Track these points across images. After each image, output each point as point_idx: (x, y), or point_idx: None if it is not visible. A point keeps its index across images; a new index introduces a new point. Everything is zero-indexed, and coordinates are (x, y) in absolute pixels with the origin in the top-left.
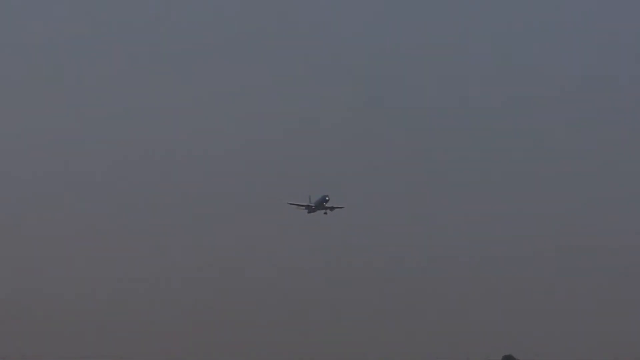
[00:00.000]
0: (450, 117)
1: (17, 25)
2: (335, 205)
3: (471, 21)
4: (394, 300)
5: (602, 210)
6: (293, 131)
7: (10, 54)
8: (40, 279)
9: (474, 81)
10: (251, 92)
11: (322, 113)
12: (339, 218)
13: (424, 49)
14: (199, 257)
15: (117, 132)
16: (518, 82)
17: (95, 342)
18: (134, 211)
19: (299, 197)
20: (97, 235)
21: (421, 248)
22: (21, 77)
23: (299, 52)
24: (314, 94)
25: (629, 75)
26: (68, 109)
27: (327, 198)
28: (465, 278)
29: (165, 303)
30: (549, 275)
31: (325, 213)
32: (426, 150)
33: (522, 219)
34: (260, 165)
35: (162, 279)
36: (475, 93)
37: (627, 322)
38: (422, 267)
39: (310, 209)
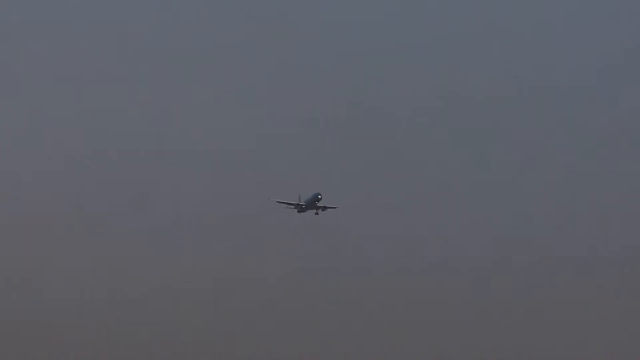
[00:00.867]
0: (449, 117)
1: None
2: (328, 205)
3: (471, 20)
4: (391, 309)
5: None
6: (285, 129)
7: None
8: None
9: (470, 80)
10: (247, 91)
11: (319, 112)
12: (332, 219)
13: (422, 49)
14: (181, 263)
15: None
16: (516, 81)
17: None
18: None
19: (289, 196)
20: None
21: (420, 252)
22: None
23: (294, 50)
24: (310, 91)
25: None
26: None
27: (319, 196)
28: (466, 282)
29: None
30: (551, 281)
31: (317, 213)
32: (423, 151)
33: (522, 220)
34: (249, 163)
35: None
36: (472, 92)
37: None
38: (420, 272)
39: (300, 208)
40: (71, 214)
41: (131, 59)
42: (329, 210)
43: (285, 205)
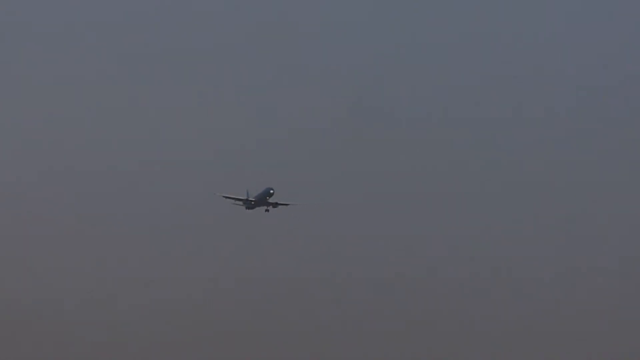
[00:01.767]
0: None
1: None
2: (280, 202)
3: (470, 21)
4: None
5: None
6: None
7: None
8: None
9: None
10: (247, 91)
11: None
12: (284, 217)
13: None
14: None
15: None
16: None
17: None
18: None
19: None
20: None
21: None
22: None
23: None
24: (309, 91)
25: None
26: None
27: (271, 191)
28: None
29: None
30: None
31: (267, 210)
32: (423, 151)
33: (523, 222)
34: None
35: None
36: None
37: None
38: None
39: (249, 204)
40: (71, 214)
41: (131, 59)
42: (281, 207)
43: (233, 200)
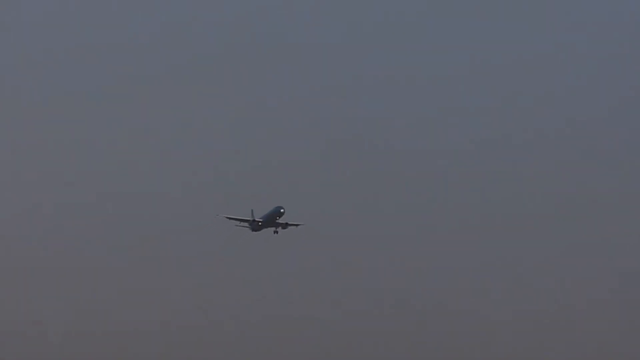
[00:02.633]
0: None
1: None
2: (291, 222)
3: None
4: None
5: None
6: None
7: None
8: None
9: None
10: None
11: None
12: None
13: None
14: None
15: None
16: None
17: None
18: None
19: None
20: None
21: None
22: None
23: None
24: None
25: None
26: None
27: (281, 210)
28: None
29: None
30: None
31: (276, 232)
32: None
33: (525, 228)
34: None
35: None
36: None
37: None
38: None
39: (255, 225)
40: (70, 215)
41: (132, 58)
42: (291, 228)
43: (237, 222)
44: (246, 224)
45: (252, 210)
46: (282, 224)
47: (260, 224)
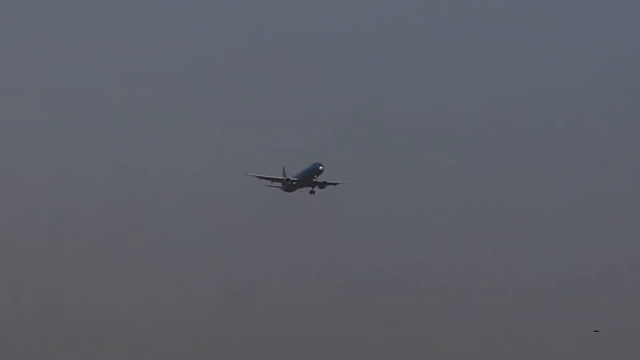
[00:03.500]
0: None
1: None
2: (330, 181)
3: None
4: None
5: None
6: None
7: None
8: None
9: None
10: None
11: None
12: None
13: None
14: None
15: None
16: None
17: None
18: None
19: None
20: None
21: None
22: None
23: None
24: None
25: None
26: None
27: (320, 167)
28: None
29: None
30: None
31: (312, 192)
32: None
33: (528, 228)
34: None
35: None
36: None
37: None
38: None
39: (288, 185)
40: (69, 217)
41: (131, 58)
42: (330, 187)
43: (270, 182)
44: (278, 184)
45: (283, 168)
46: (320, 182)
47: (294, 183)
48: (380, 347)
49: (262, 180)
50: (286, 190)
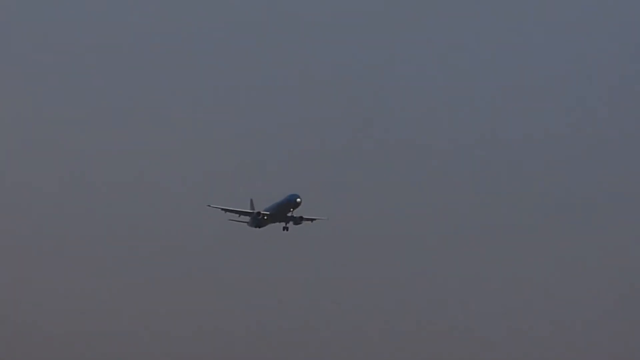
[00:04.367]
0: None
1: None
2: (308, 217)
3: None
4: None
5: None
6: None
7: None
8: None
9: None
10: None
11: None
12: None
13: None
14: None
15: None
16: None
17: None
18: None
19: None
20: None
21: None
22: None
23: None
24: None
25: None
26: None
27: (298, 200)
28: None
29: None
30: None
31: (286, 229)
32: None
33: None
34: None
35: None
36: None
37: None
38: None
39: (257, 219)
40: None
41: (131, 58)
42: (307, 224)
43: (236, 215)
44: (246, 218)
45: (251, 200)
46: (295, 218)
47: (265, 217)
48: None
49: (227, 213)
50: (254, 226)
